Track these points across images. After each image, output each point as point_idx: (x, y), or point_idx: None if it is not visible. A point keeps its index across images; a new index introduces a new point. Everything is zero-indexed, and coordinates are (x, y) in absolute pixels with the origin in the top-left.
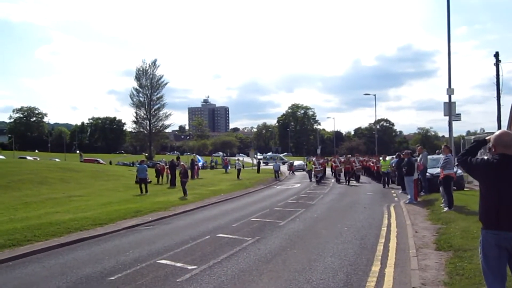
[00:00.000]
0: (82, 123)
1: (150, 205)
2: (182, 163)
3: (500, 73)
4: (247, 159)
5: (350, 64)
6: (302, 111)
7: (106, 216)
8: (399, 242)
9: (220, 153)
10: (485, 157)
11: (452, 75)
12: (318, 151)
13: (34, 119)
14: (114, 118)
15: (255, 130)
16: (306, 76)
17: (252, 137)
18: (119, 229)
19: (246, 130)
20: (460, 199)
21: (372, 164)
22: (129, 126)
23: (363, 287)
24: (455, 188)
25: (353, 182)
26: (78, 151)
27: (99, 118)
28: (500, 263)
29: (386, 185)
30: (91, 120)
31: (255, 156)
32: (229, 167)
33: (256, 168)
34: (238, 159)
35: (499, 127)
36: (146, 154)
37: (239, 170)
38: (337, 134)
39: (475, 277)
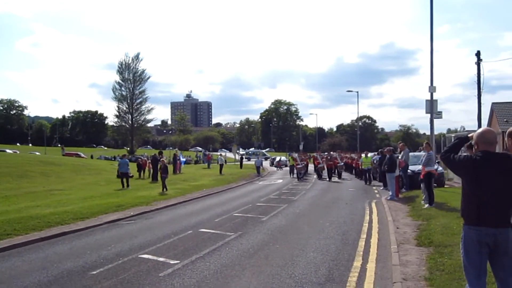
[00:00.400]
0: (63, 116)
1: (132, 199)
2: (162, 158)
3: (481, 72)
4: (230, 155)
5: (333, 61)
6: (285, 107)
7: (88, 210)
8: (380, 238)
9: (198, 148)
10: (467, 154)
11: (434, 73)
12: (301, 147)
13: (14, 111)
14: (96, 111)
15: (237, 125)
16: (289, 72)
17: (234, 133)
18: (101, 223)
19: (228, 126)
20: (440, 196)
21: (354, 161)
22: (111, 120)
23: (345, 282)
24: (435, 185)
25: (335, 179)
26: (60, 145)
27: (80, 112)
28: (480, 258)
29: (368, 182)
30: (72, 114)
31: (238, 151)
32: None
33: (238, 163)
34: (220, 154)
35: (479, 125)
36: (128, 148)
37: (221, 165)
38: (320, 130)
39: (455, 272)
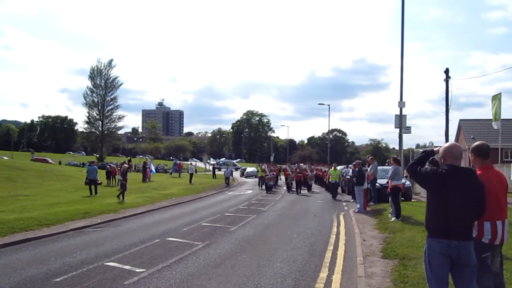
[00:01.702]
0: (32, 121)
1: (99, 206)
2: (124, 164)
3: (450, 89)
4: (201, 164)
5: (306, 74)
6: (257, 118)
7: (53, 216)
8: (347, 250)
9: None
10: (433, 167)
11: (405, 89)
12: (271, 158)
13: None
14: (66, 117)
15: (209, 135)
16: (262, 84)
17: (206, 142)
18: (67, 230)
19: (200, 135)
20: (407, 210)
21: (324, 173)
22: (81, 126)
23: None
24: (403, 199)
25: (305, 191)
26: (30, 149)
27: (49, 117)
28: (443, 270)
29: (334, 196)
30: (41, 118)
31: (209, 161)
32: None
33: (209, 173)
34: (191, 164)
35: (447, 141)
36: (97, 155)
37: (191, 175)
38: (291, 142)
39: (418, 284)
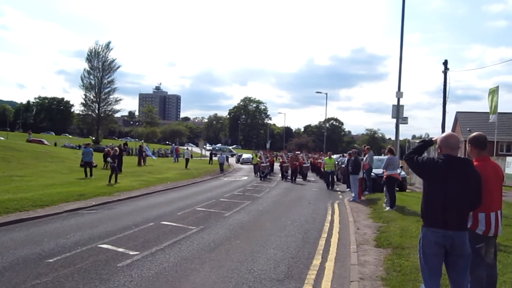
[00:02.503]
0: (28, 101)
1: (94, 189)
2: (115, 147)
3: (448, 81)
4: (196, 149)
5: (304, 62)
6: (254, 105)
7: (48, 198)
8: (340, 238)
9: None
10: (430, 157)
11: (403, 80)
12: (268, 146)
13: None
14: (62, 99)
15: (206, 120)
16: (260, 71)
17: (202, 128)
18: (61, 212)
19: (197, 120)
20: (401, 200)
21: (321, 162)
22: (77, 109)
23: (304, 279)
24: (397, 189)
25: (300, 179)
26: (28, 130)
27: (45, 98)
28: (437, 260)
29: (330, 186)
30: (37, 99)
31: (205, 146)
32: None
33: (204, 158)
34: (187, 149)
35: (443, 132)
36: (93, 138)
37: (187, 160)
38: (287, 130)
39: (411, 273)
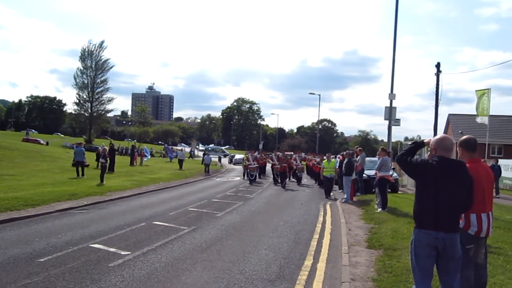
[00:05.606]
0: (20, 100)
1: (86, 188)
2: (105, 147)
3: (440, 84)
4: (188, 150)
5: (297, 63)
6: (247, 106)
7: (39, 197)
8: (332, 239)
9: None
10: (424, 158)
11: (395, 83)
12: (260, 146)
13: None
14: (55, 98)
15: (199, 121)
16: (253, 72)
17: (195, 128)
18: (52, 211)
19: (189, 121)
20: (393, 201)
21: (316, 165)
22: (70, 108)
23: (295, 280)
24: (389, 190)
25: (293, 183)
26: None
27: (38, 97)
28: (429, 262)
29: (327, 194)
30: (29, 98)
31: (197, 147)
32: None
33: (195, 159)
34: (181, 149)
35: (435, 135)
36: (86, 137)
37: (180, 161)
38: (280, 130)
39: (402, 275)
